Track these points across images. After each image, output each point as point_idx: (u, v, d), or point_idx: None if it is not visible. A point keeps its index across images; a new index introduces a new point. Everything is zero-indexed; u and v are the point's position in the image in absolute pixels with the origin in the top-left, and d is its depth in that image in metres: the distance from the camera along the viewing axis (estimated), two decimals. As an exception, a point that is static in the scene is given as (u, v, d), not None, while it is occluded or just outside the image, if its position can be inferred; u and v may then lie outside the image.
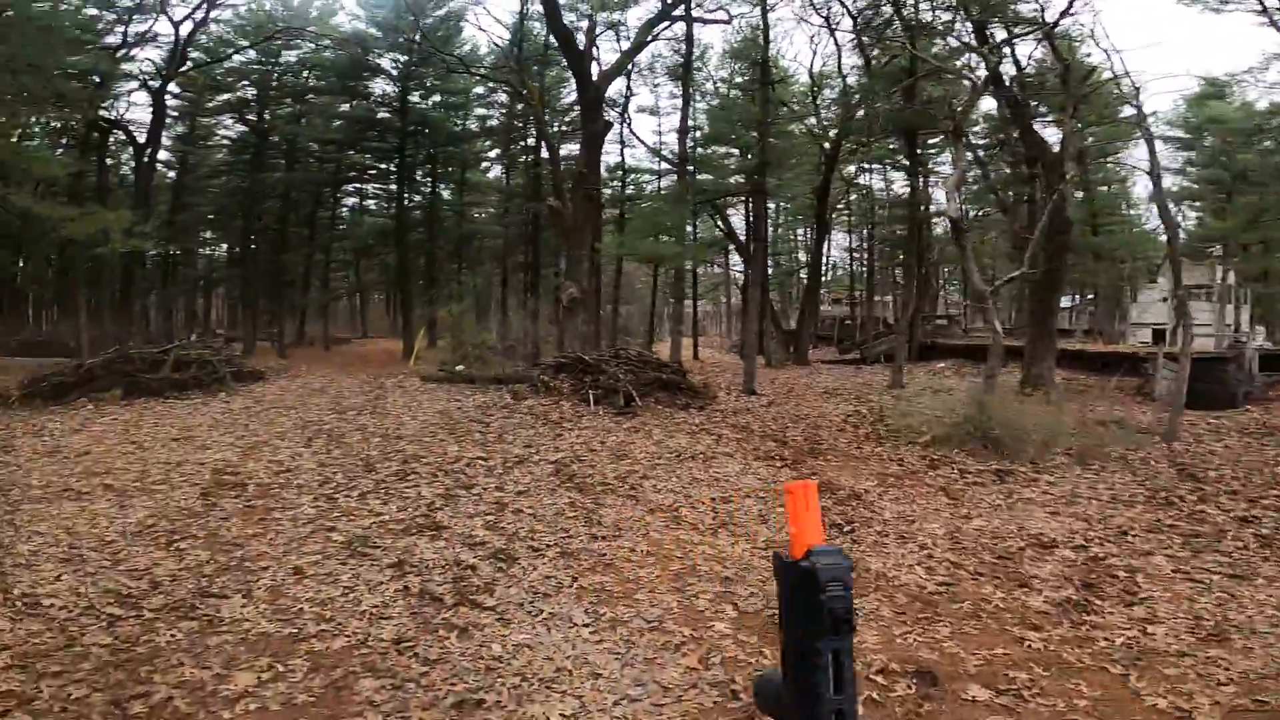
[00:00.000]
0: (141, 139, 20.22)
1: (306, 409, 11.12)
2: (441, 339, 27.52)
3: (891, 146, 24.34)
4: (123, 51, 18.88)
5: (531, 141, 26.25)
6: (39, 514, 5.74)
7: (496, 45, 22.80)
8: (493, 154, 30.59)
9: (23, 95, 12.20)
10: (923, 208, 22.27)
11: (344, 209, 32.91)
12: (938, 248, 27.06)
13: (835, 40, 20.31)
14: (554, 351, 16.70)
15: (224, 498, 6.31)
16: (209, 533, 5.36)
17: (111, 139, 22.44)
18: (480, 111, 27.84)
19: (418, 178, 26.44)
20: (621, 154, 25.16)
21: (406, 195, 25.31)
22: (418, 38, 21.58)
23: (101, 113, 19.92)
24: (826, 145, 22.32)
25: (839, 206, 28.91)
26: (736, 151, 23.55)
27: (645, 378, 12.03)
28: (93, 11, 17.41)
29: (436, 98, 25.47)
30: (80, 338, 17.69)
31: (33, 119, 20.44)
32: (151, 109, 20.28)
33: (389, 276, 31.74)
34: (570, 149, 24.07)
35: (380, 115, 24.63)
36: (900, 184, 30.09)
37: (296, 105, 25.55)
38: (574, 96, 24.18)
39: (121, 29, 18.82)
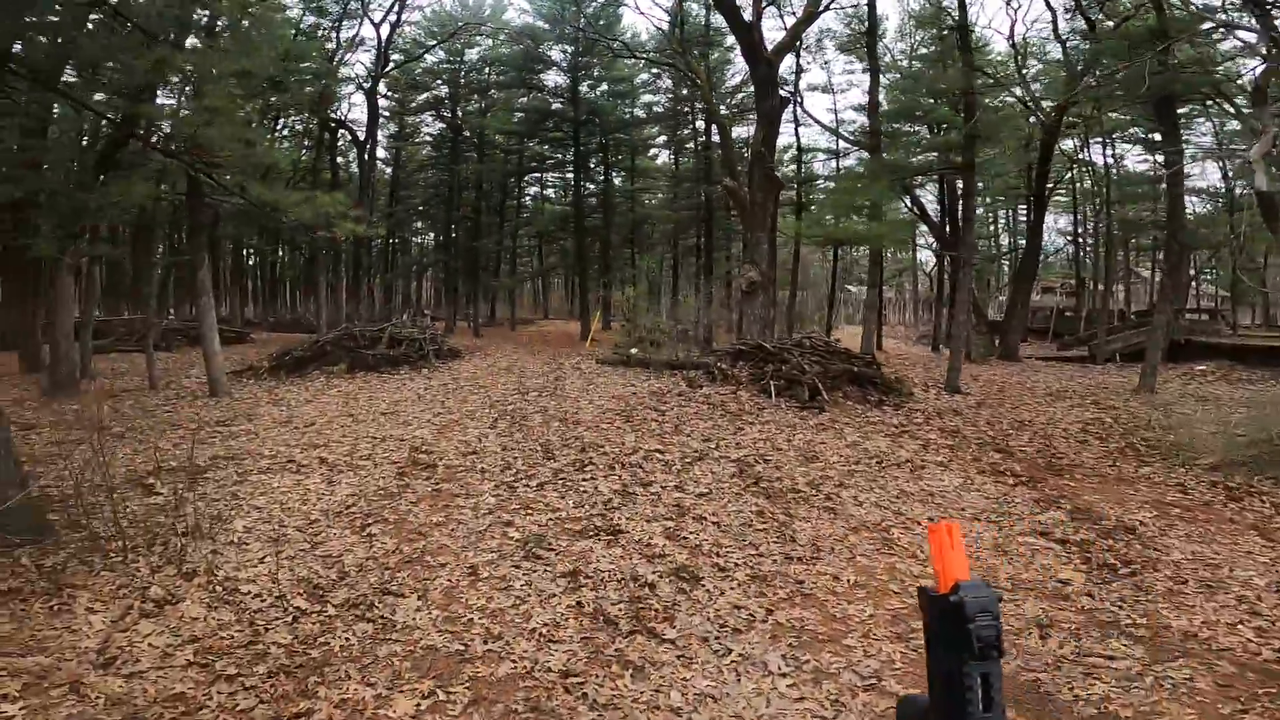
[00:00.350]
0: (361, 136, 22.58)
1: (494, 388, 11.41)
2: (616, 323, 28.02)
3: (1128, 117, 20.18)
4: (338, 56, 21.08)
5: (700, 125, 25.49)
6: (262, 485, 6.12)
7: (658, 29, 22.27)
8: (660, 140, 30.33)
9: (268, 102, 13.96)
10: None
11: (527, 198, 34.82)
12: (1195, 230, 22.01)
13: (1049, 2, 16.98)
14: (728, 337, 15.87)
15: (416, 478, 6.34)
16: (399, 517, 5.31)
17: (340, 139, 25.36)
18: (647, 98, 27.58)
19: (591, 166, 26.87)
20: (796, 134, 23.46)
21: (582, 182, 25.79)
22: (582, 24, 21.63)
23: (329, 114, 22.48)
24: (1043, 116, 18.88)
25: (1055, 184, 24.69)
26: (923, 128, 21.08)
27: (833, 369, 10.77)
28: (311, 20, 19.55)
29: (604, 87, 25.60)
30: (319, 316, 20.14)
31: (278, 123, 23.78)
32: (367, 108, 22.48)
33: (567, 261, 32.91)
34: (740, 131, 22.93)
35: (554, 106, 25.32)
36: (1135, 158, 25.04)
37: (482, 101, 27.12)
38: (738, 79, 23.00)
39: (335, 35, 21.02)
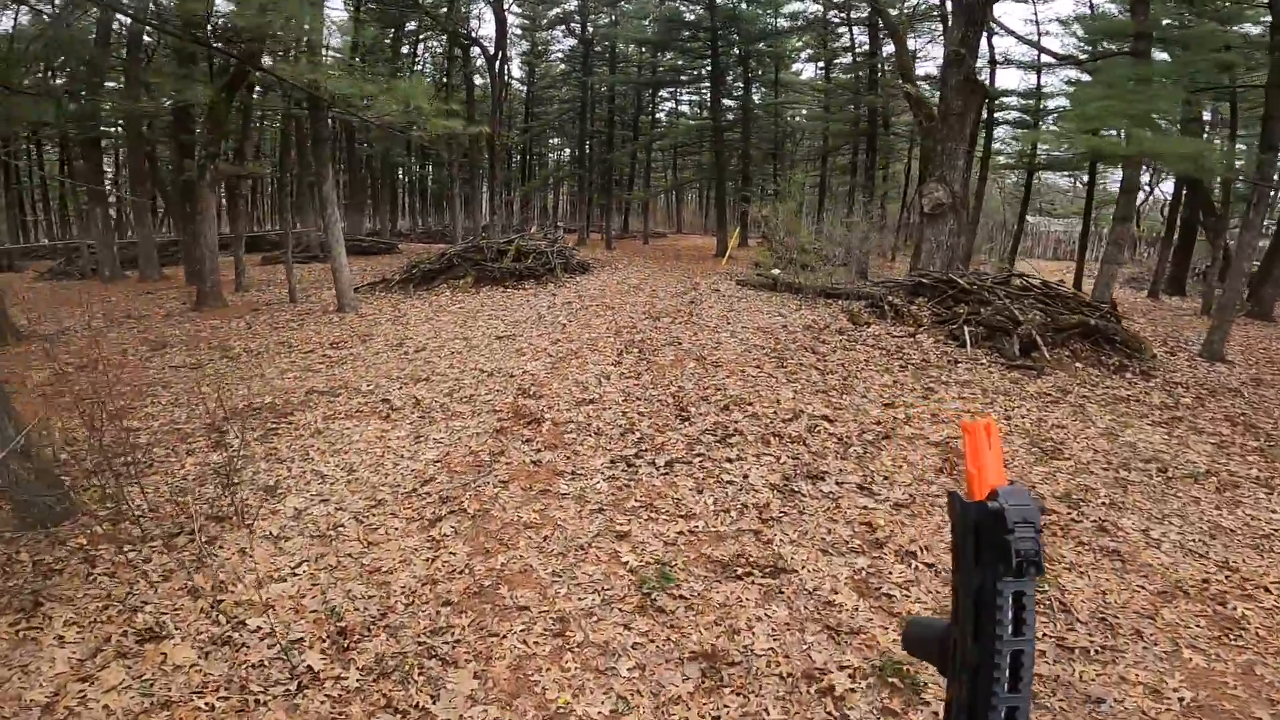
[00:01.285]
0: (491, 51, 20.79)
1: (622, 310, 9.77)
2: (753, 240, 25.27)
3: None
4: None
5: (858, 34, 20.97)
6: (342, 438, 4.95)
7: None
8: (805, 54, 25.83)
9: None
10: None
11: (661, 113, 31.91)
12: None
13: None
14: (888, 268, 12.96)
15: (515, 439, 4.89)
16: (481, 507, 3.85)
17: (474, 59, 23.83)
18: (792, 7, 23.05)
19: (730, 79, 23.31)
20: (989, 44, 18.27)
21: (720, 93, 22.35)
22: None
23: (460, 31, 20.84)
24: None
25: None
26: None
27: (1062, 320, 7.93)
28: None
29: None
30: (455, 229, 19.46)
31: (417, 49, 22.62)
32: (495, 23, 20.57)
33: (703, 175, 30.04)
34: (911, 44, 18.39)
35: (689, 17, 21.77)
36: None
37: (613, 13, 24.25)
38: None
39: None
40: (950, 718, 0.55)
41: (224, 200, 14.57)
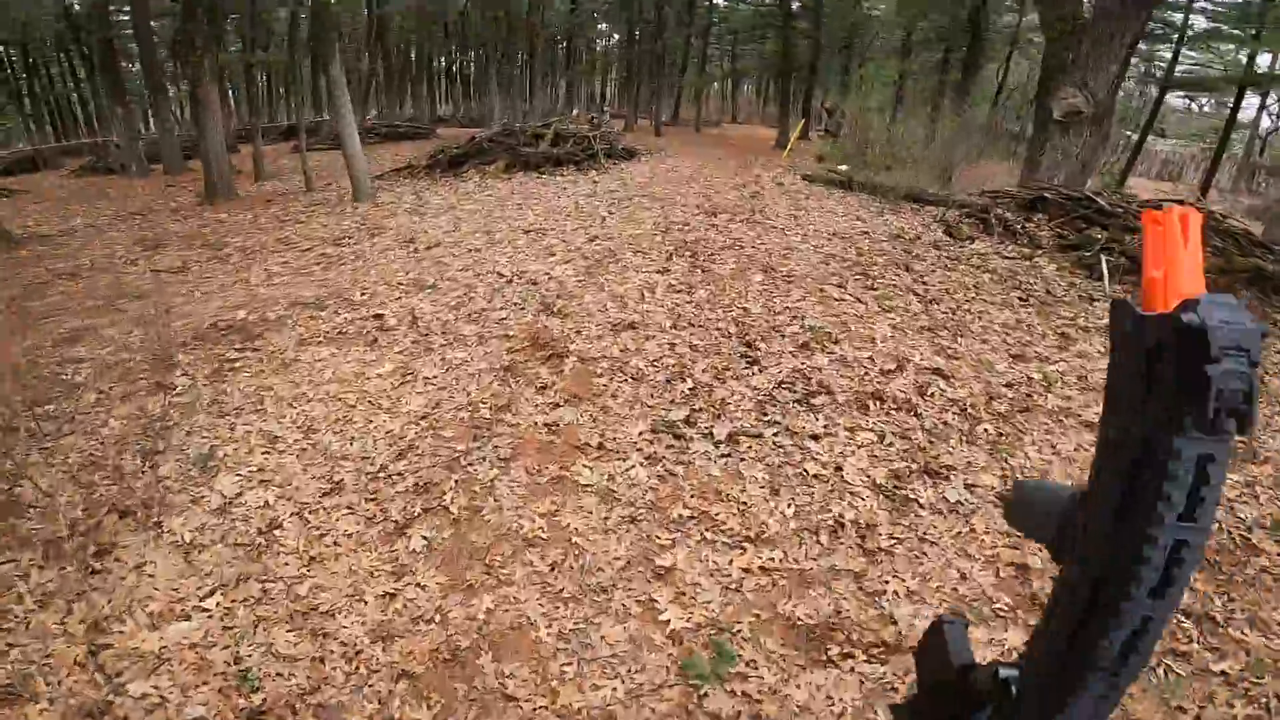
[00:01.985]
0: None
1: (672, 204, 8.18)
2: (818, 135, 22.40)
3: None
4: None
5: None
6: (312, 376, 3.83)
7: None
8: None
9: None
10: None
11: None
12: None
13: None
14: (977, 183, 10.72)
15: (528, 387, 3.69)
16: (467, 505, 2.72)
17: None
18: None
19: None
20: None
21: None
22: None
23: None
24: None
25: None
26: None
27: (1229, 261, 6.06)
28: None
29: None
30: (492, 113, 17.48)
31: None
32: None
33: (764, 66, 26.36)
34: None
35: None
36: None
37: None
38: None
39: None
40: (1054, 624, 0.37)
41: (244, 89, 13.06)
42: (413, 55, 26.81)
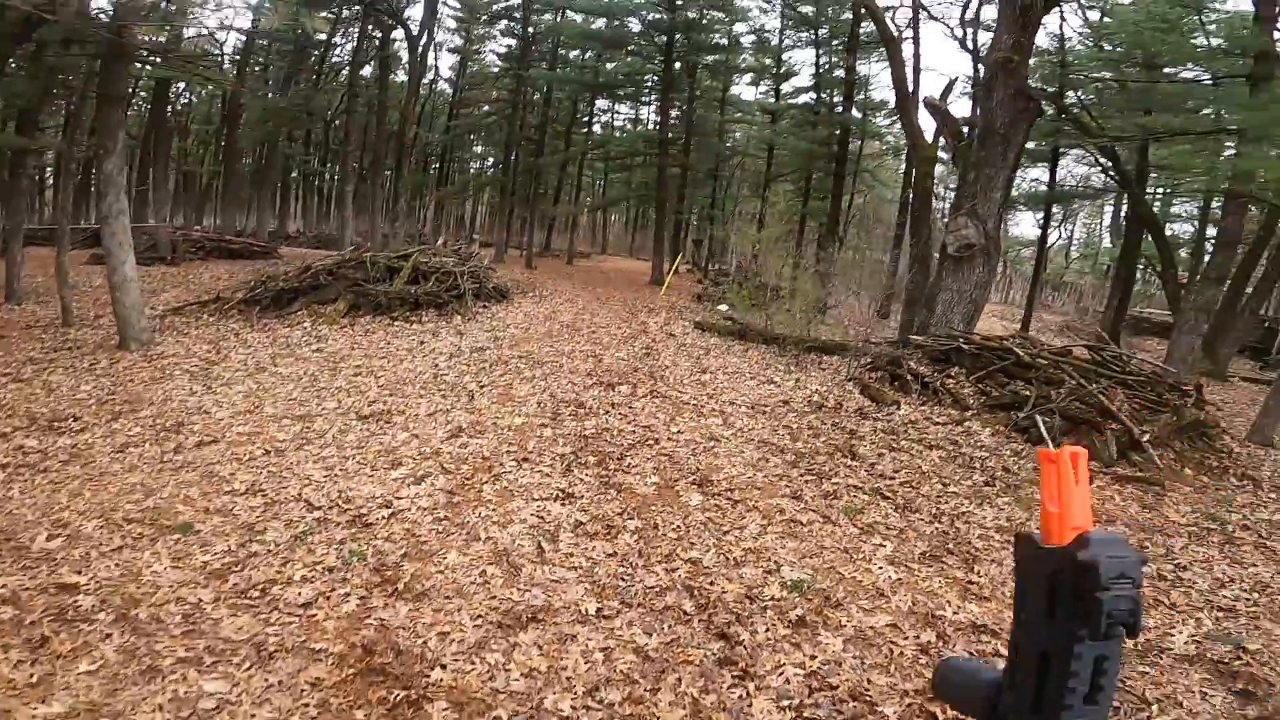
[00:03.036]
0: (415, 31, 17.25)
1: (557, 369, 6.80)
2: (686, 268, 23.07)
3: None
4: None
5: (813, 53, 19.17)
6: None
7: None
8: (747, 76, 24.09)
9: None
10: None
11: (597, 125, 29.39)
12: None
13: None
14: (878, 320, 10.76)
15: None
16: None
17: (393, 43, 20.14)
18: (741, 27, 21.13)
19: (680, 90, 20.99)
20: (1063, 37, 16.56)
21: (671, 102, 19.76)
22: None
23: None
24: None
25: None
26: None
27: (1153, 408, 5.83)
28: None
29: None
30: (343, 233, 15.72)
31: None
32: (425, 6, 17.27)
33: (639, 193, 27.56)
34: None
35: (649, 16, 19.25)
36: None
37: (558, 15, 21.54)
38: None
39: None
40: None
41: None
42: (263, 158, 24.59)
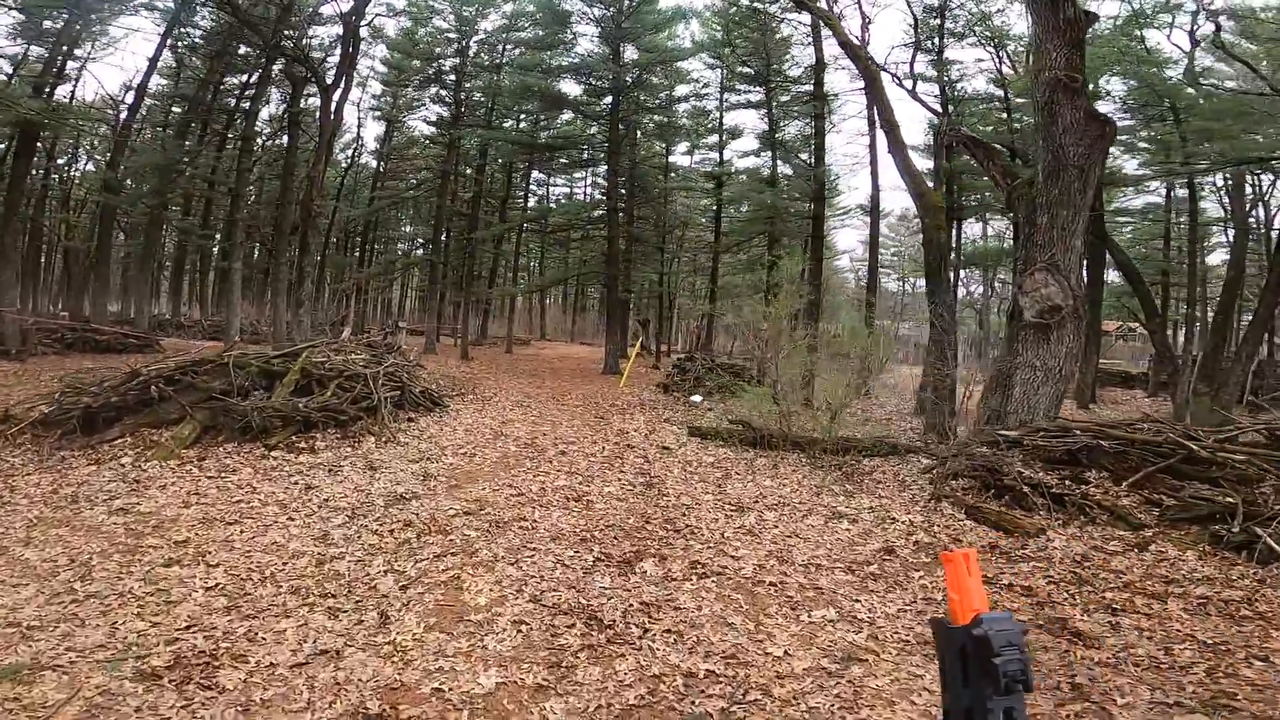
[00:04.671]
0: (329, 80, 15.39)
1: (528, 528, 4.41)
2: (640, 354, 21.32)
3: None
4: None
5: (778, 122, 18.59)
6: None
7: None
8: (682, 144, 23.52)
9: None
10: None
11: (533, 197, 28.12)
12: None
13: None
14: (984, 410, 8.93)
15: None
16: None
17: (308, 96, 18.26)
18: (683, 90, 20.83)
19: (623, 155, 19.92)
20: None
21: (619, 167, 18.51)
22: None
23: (293, 50, 15.41)
24: None
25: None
26: None
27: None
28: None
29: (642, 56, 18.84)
30: (231, 323, 12.95)
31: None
32: (342, 44, 15.54)
33: (574, 270, 25.94)
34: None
35: (588, 76, 18.38)
36: None
37: (495, 75, 20.48)
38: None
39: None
40: None
41: None
42: (141, 234, 21.48)
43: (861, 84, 15.47)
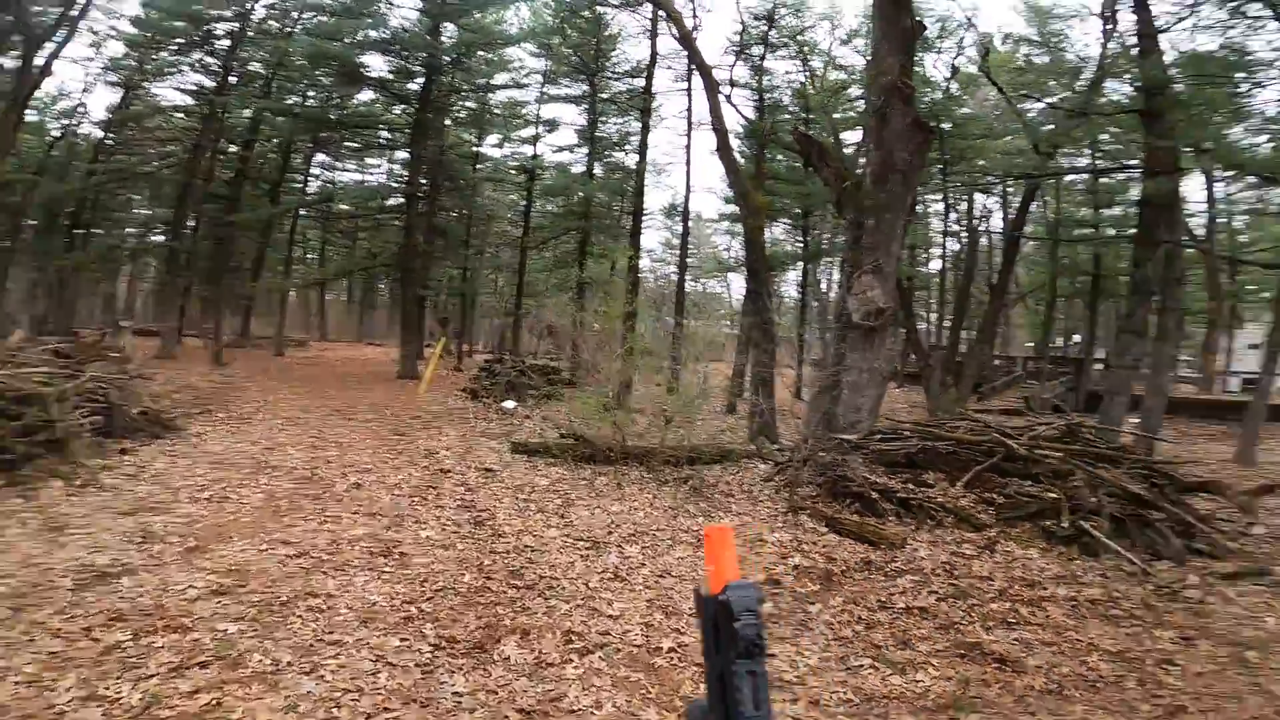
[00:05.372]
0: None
1: (320, 612, 3.14)
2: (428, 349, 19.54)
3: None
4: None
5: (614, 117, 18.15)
6: None
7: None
8: (514, 114, 22.24)
9: None
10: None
11: (318, 180, 24.35)
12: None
13: None
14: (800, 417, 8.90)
15: None
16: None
17: None
18: (503, 78, 19.63)
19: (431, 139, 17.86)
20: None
21: (424, 149, 16.52)
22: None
23: None
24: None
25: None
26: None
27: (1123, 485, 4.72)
28: None
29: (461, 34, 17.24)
30: None
31: None
32: None
33: (362, 263, 23.06)
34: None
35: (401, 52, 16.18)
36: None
37: (281, 45, 17.18)
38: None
39: None
40: None
41: None
42: None
43: (684, 85, 15.93)
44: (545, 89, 18.76)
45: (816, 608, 3.33)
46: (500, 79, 18.82)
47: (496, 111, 20.10)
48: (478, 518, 4.70)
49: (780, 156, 16.51)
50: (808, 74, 16.30)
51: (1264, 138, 9.13)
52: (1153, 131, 8.39)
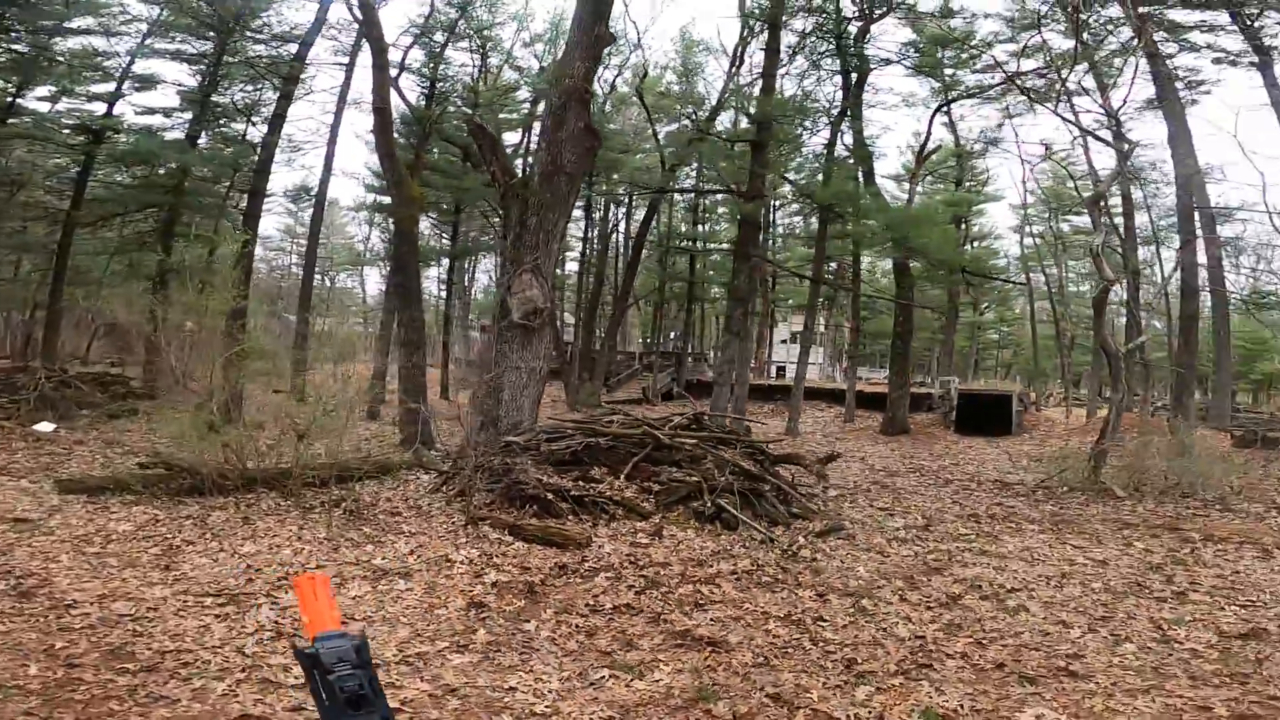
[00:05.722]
0: None
1: None
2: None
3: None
4: None
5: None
6: None
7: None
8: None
9: None
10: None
11: None
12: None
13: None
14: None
15: None
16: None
17: None
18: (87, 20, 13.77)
19: None
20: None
21: None
22: None
23: None
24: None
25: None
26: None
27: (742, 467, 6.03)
28: None
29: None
30: None
31: None
32: None
33: None
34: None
35: None
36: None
37: None
38: None
39: None
40: None
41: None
42: None
43: (345, 60, 13.73)
44: (150, 41, 13.92)
45: (533, 625, 3.14)
46: (85, 22, 13.19)
47: (60, 59, 14.07)
48: (20, 586, 3.12)
49: (436, 150, 15.78)
50: (483, 70, 16.00)
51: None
52: (757, 161, 11.04)
